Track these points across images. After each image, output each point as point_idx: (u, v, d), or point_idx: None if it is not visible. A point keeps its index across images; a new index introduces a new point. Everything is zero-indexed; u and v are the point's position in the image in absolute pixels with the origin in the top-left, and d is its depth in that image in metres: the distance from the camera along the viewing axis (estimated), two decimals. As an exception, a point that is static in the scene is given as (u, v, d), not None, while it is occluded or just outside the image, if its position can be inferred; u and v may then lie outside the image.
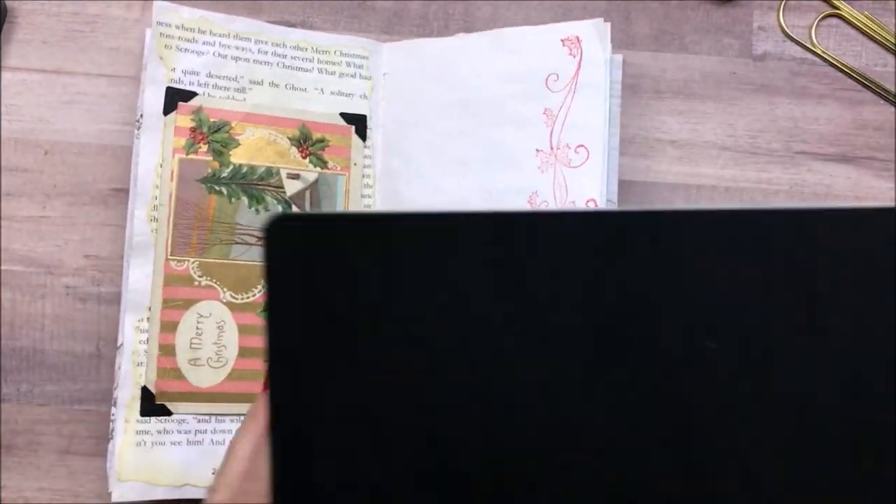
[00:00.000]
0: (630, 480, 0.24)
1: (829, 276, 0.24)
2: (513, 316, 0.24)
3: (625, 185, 0.55)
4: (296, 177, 0.49)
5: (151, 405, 0.46)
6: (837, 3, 0.57)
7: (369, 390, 0.24)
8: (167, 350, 0.47)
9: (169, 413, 0.46)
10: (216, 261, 0.47)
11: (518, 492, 0.24)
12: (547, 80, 0.49)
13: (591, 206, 0.48)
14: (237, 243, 0.48)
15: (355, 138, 0.50)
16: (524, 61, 0.50)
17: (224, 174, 0.48)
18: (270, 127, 0.49)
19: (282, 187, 0.49)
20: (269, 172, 0.48)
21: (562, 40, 0.49)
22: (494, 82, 0.50)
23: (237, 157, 0.48)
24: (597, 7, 0.56)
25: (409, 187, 0.51)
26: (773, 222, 0.24)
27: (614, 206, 0.50)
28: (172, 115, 0.47)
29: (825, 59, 0.56)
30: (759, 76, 0.56)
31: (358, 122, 0.51)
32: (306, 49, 0.50)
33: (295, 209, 0.49)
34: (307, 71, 0.50)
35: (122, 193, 0.52)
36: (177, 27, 0.48)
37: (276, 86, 0.49)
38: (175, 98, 0.47)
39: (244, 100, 0.49)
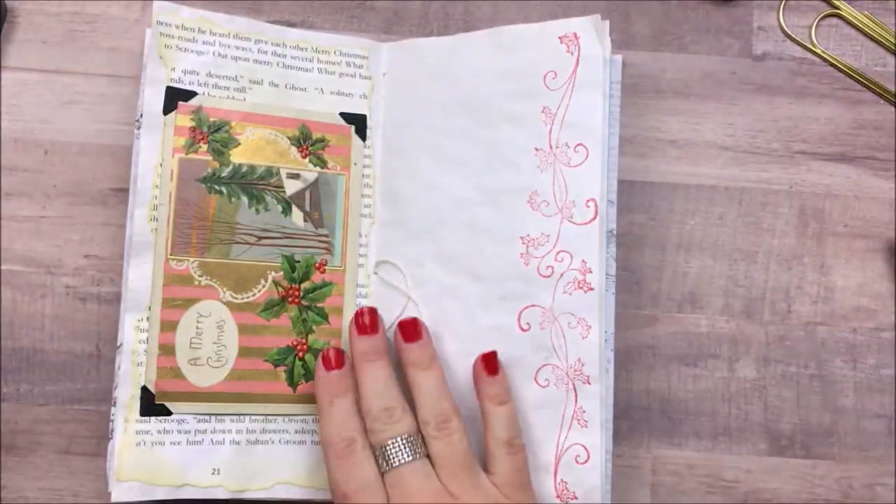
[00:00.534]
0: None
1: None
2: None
3: (625, 185, 0.55)
4: (296, 176, 0.50)
5: (151, 405, 0.46)
6: (837, 3, 0.58)
7: None
8: (167, 350, 0.47)
9: (169, 413, 0.47)
10: (216, 260, 0.48)
11: None
12: (545, 77, 0.50)
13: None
14: (237, 243, 0.48)
15: (355, 138, 0.51)
16: (522, 59, 0.51)
17: (224, 174, 0.49)
18: (270, 126, 0.50)
19: (282, 187, 0.50)
20: (270, 172, 0.49)
21: (559, 37, 0.50)
22: (493, 81, 0.51)
23: (237, 156, 0.49)
24: (597, 7, 0.58)
25: (408, 187, 0.52)
26: None
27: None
28: (172, 114, 0.48)
29: (825, 59, 0.57)
30: (759, 76, 0.57)
31: (358, 122, 0.52)
32: (306, 49, 0.51)
33: (295, 209, 0.49)
34: (307, 71, 0.51)
35: (122, 193, 0.53)
36: (177, 27, 0.49)
37: (276, 85, 0.50)
38: (175, 98, 0.48)
39: (244, 99, 0.50)
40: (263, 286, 0.49)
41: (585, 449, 0.47)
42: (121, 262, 0.50)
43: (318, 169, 0.51)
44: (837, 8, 0.58)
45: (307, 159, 0.50)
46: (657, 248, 0.55)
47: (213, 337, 0.48)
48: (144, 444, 0.46)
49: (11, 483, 0.50)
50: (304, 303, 0.50)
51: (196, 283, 0.48)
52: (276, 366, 0.49)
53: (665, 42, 0.57)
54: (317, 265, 0.50)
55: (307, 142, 0.51)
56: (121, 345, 0.49)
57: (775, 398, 0.54)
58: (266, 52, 0.50)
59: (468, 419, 0.47)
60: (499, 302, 0.49)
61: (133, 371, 0.46)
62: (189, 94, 0.48)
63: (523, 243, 0.49)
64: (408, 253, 0.51)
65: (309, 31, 0.53)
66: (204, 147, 0.48)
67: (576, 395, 0.48)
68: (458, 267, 0.50)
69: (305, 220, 0.50)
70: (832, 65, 0.57)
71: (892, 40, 0.57)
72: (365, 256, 0.51)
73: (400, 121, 0.53)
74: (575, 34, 0.50)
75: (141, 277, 0.47)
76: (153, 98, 0.48)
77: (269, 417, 0.49)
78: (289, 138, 0.50)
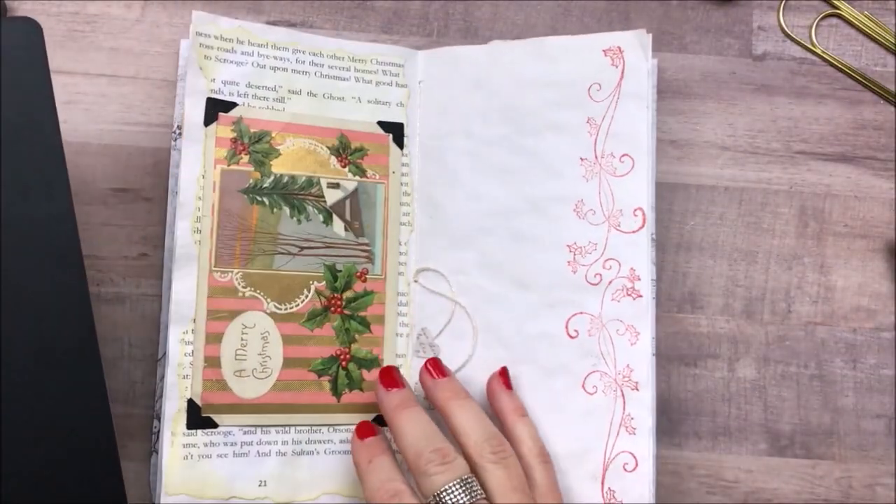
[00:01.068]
0: None
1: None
2: None
3: (625, 185, 0.62)
4: (336, 186, 0.51)
5: (198, 418, 0.48)
6: (837, 3, 0.59)
7: None
8: (212, 362, 0.48)
9: (215, 425, 0.48)
10: (259, 271, 0.49)
11: None
12: (589, 89, 0.52)
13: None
14: (279, 253, 0.50)
15: (393, 146, 0.53)
16: (565, 70, 0.53)
17: (266, 184, 0.50)
18: (310, 136, 0.51)
19: (322, 197, 0.51)
20: (310, 182, 0.51)
21: (604, 50, 0.52)
22: (535, 90, 0.53)
23: (278, 167, 0.50)
24: (597, 7, 0.59)
25: (448, 195, 0.53)
26: None
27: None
28: (213, 125, 0.49)
29: (825, 59, 0.58)
30: (759, 76, 0.58)
31: (395, 131, 0.53)
32: (343, 58, 0.53)
33: (336, 219, 0.51)
34: (344, 80, 0.52)
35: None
36: (215, 38, 0.50)
37: (315, 95, 0.52)
38: (215, 109, 0.49)
39: (283, 109, 0.51)
40: (307, 296, 0.50)
41: (633, 456, 0.49)
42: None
43: (357, 178, 0.52)
44: (837, 8, 0.59)
45: (347, 168, 0.52)
46: (657, 248, 0.55)
47: (258, 348, 0.49)
48: (191, 457, 0.47)
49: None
50: (347, 312, 0.51)
51: (240, 294, 0.49)
52: (320, 376, 0.50)
53: (665, 42, 0.58)
54: (358, 274, 0.51)
55: (346, 151, 0.52)
56: (162, 356, 0.50)
57: (775, 398, 0.56)
58: (304, 62, 0.52)
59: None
60: (546, 309, 0.51)
61: (179, 384, 0.48)
62: (229, 105, 0.50)
63: (570, 251, 0.51)
64: (449, 261, 0.53)
65: (345, 41, 0.54)
66: (245, 158, 0.50)
67: (624, 402, 0.49)
68: (504, 275, 0.52)
69: (346, 230, 0.52)
70: (832, 65, 0.58)
71: (892, 40, 0.59)
72: (405, 265, 0.53)
73: (438, 129, 0.54)
74: (619, 48, 0.52)
75: (185, 290, 0.48)
76: (193, 109, 0.49)
77: (314, 428, 0.50)
78: (328, 148, 0.52)
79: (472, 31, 0.58)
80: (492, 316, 0.52)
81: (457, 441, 0.47)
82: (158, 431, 0.50)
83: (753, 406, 0.56)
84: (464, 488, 0.42)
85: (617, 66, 0.52)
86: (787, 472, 0.55)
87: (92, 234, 0.53)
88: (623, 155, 0.51)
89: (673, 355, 0.56)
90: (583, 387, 0.50)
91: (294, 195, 0.51)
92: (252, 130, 0.50)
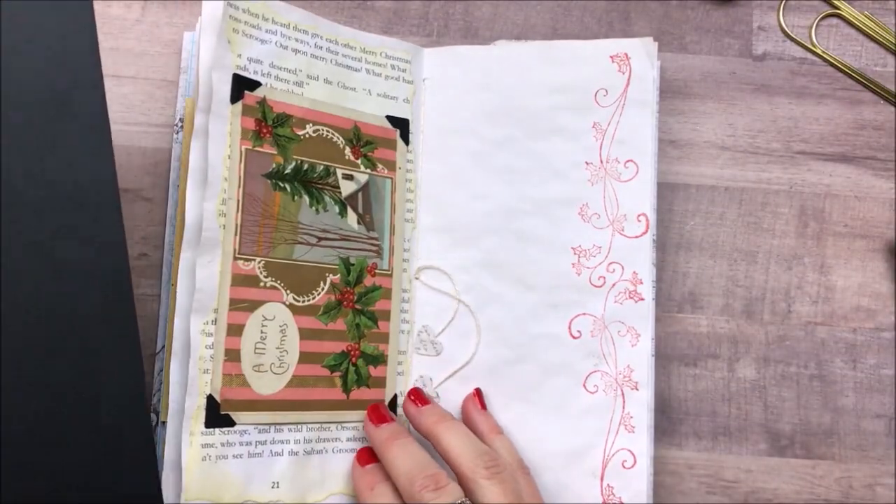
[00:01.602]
0: None
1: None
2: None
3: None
4: (350, 178, 0.57)
5: (216, 415, 0.51)
6: (837, 3, 0.66)
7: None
8: (232, 355, 0.52)
9: (232, 423, 0.51)
10: (280, 261, 0.54)
11: None
12: (596, 94, 0.61)
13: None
14: (300, 243, 0.55)
15: (399, 142, 0.60)
16: (573, 74, 0.61)
17: (287, 170, 0.55)
18: (327, 125, 0.57)
19: (338, 187, 0.57)
20: (327, 171, 0.56)
21: (611, 56, 0.61)
22: (542, 93, 0.61)
23: (298, 153, 0.55)
24: (597, 7, 0.66)
25: (451, 194, 0.61)
26: None
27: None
28: (239, 104, 0.53)
29: (825, 59, 0.65)
30: (759, 76, 0.65)
31: (402, 126, 0.60)
32: (355, 48, 0.59)
33: (350, 211, 0.57)
34: (356, 70, 0.59)
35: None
36: (244, 11, 0.54)
37: (330, 83, 0.57)
38: (241, 87, 0.53)
39: (302, 94, 0.56)
40: (323, 289, 0.56)
41: (632, 454, 0.58)
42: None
43: (368, 171, 0.58)
44: (837, 8, 0.66)
45: (359, 160, 0.58)
46: (657, 248, 0.61)
47: (277, 342, 0.53)
48: (209, 458, 0.50)
49: None
50: (358, 307, 0.57)
51: (262, 284, 0.53)
52: (332, 371, 0.55)
53: (665, 42, 0.65)
54: (368, 268, 0.57)
55: (359, 142, 0.58)
56: (160, 350, 0.53)
57: (775, 398, 0.62)
58: (321, 48, 0.57)
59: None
60: (549, 310, 0.60)
61: (199, 379, 0.51)
62: (254, 84, 0.54)
63: (574, 253, 0.60)
64: (452, 259, 0.60)
65: (358, 31, 0.59)
66: (269, 141, 0.54)
67: (624, 401, 0.59)
68: (508, 274, 0.60)
69: (359, 223, 0.57)
70: (832, 65, 0.65)
71: (892, 40, 0.65)
72: (407, 262, 0.60)
73: (443, 127, 0.61)
74: (626, 54, 0.61)
75: (208, 277, 0.51)
76: (221, 84, 0.53)
77: (324, 425, 0.55)
78: (343, 138, 0.57)
79: (473, 31, 0.65)
80: (494, 315, 0.60)
81: (448, 463, 0.53)
82: (155, 425, 0.54)
83: (753, 406, 0.62)
84: None
85: (623, 73, 0.61)
86: (787, 472, 0.62)
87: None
88: (628, 160, 0.61)
89: (673, 355, 0.62)
90: (584, 386, 0.59)
91: (313, 184, 0.56)
92: (275, 112, 0.55)
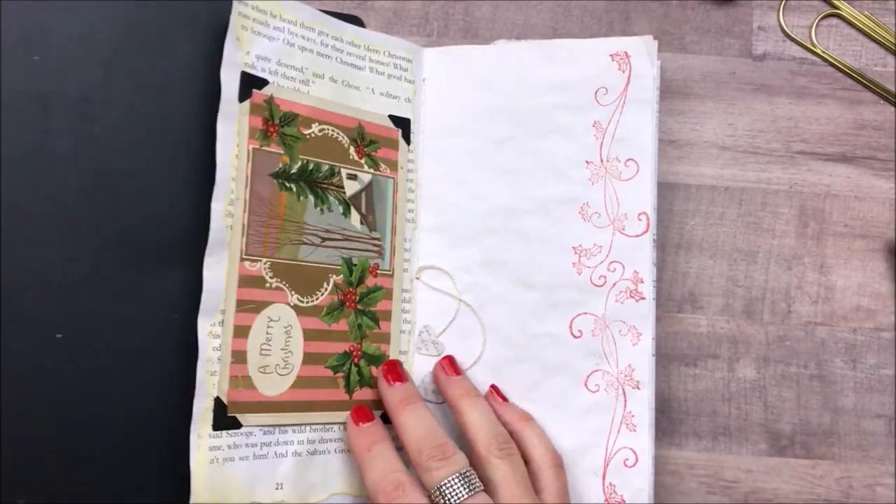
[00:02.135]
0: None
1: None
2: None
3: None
4: (354, 177, 0.60)
5: (223, 418, 0.54)
6: (837, 3, 0.69)
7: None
8: (239, 357, 0.55)
9: (239, 425, 0.54)
10: (286, 261, 0.57)
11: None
12: (596, 93, 0.65)
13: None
14: (304, 244, 0.58)
15: (401, 142, 0.63)
16: (573, 73, 0.65)
17: (293, 170, 0.58)
18: (332, 124, 0.60)
19: (342, 187, 0.60)
20: (332, 171, 0.59)
21: (611, 55, 0.65)
22: (542, 92, 0.65)
23: (304, 152, 0.58)
24: (597, 7, 0.69)
25: (452, 193, 0.64)
26: None
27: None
28: (247, 102, 0.56)
29: (825, 59, 0.68)
30: (759, 76, 0.68)
31: (403, 126, 0.63)
32: (360, 46, 0.62)
33: (353, 211, 0.60)
34: (360, 69, 0.62)
35: None
36: (252, 7, 0.57)
37: (335, 81, 0.60)
38: (250, 85, 0.56)
39: (308, 92, 0.59)
40: (326, 289, 0.59)
41: (634, 452, 0.62)
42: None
43: (371, 171, 0.61)
44: (837, 8, 0.69)
45: (363, 160, 0.61)
46: (657, 249, 0.64)
47: (281, 343, 0.56)
48: (217, 461, 0.53)
49: None
50: (360, 307, 0.60)
51: (267, 285, 0.56)
52: (335, 372, 0.59)
53: (665, 42, 0.69)
54: (370, 269, 0.61)
55: (363, 142, 0.61)
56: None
57: (775, 398, 0.65)
58: (327, 46, 0.60)
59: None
60: (551, 309, 0.64)
61: (207, 381, 0.53)
62: (262, 82, 0.57)
63: (575, 253, 0.64)
64: (453, 259, 0.64)
65: (362, 29, 0.62)
66: (275, 140, 0.57)
67: (625, 400, 0.63)
68: (509, 274, 0.64)
69: (361, 223, 0.61)
70: (832, 65, 0.68)
71: (892, 40, 0.69)
72: (408, 262, 0.63)
73: (443, 127, 0.65)
74: (626, 52, 0.65)
75: (215, 278, 0.54)
76: (230, 83, 0.55)
77: (327, 426, 0.58)
78: (348, 137, 0.61)
79: (472, 31, 0.68)
80: (495, 315, 0.64)
81: (465, 437, 0.58)
82: None
83: (753, 406, 0.66)
84: (463, 481, 0.54)
85: (624, 72, 0.65)
86: (787, 472, 0.65)
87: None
88: (628, 159, 0.64)
89: (673, 355, 0.66)
90: (585, 385, 0.63)
91: (318, 184, 0.59)
92: (282, 111, 0.58)
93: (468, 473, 0.55)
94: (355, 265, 0.61)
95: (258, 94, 0.58)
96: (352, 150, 0.62)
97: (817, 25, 0.70)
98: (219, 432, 0.55)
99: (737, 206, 0.68)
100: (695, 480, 0.66)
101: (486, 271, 0.65)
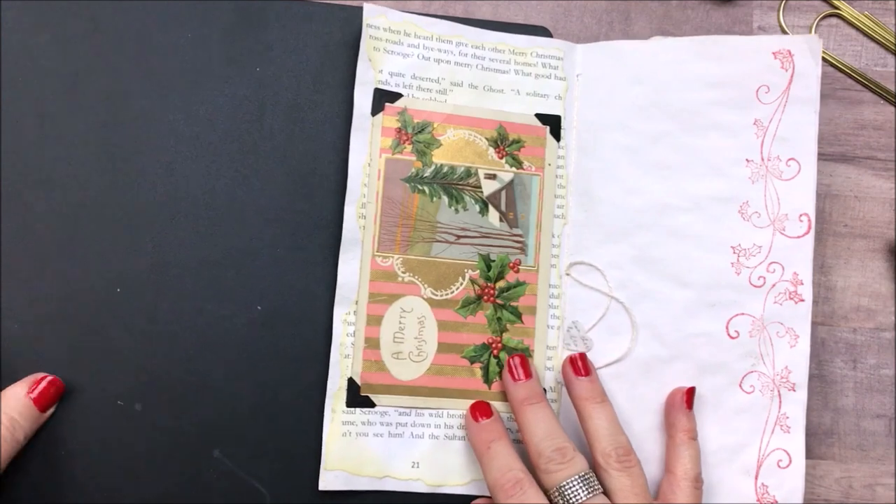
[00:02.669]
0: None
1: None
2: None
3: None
4: (492, 177, 0.68)
5: (356, 396, 0.64)
6: (837, 3, 0.72)
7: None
8: (372, 343, 0.65)
9: (372, 405, 0.64)
10: (418, 258, 0.66)
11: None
12: (758, 91, 0.67)
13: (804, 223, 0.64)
14: (437, 241, 0.66)
15: (549, 139, 0.69)
16: (732, 70, 0.67)
17: (426, 174, 0.66)
18: (469, 128, 0.67)
19: (479, 187, 0.67)
20: (468, 172, 0.67)
21: (773, 53, 0.66)
22: (700, 88, 0.67)
23: (438, 156, 0.67)
24: (597, 7, 0.72)
25: (603, 188, 0.68)
26: None
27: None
28: (380, 115, 0.66)
29: (825, 59, 0.71)
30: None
31: (552, 123, 0.69)
32: (504, 51, 0.69)
33: (491, 209, 0.67)
34: (504, 72, 0.69)
35: None
36: (384, 30, 0.66)
37: (475, 87, 0.68)
38: (382, 99, 0.66)
39: (445, 101, 0.67)
40: (461, 284, 0.67)
41: (787, 454, 0.64)
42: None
43: (513, 169, 0.68)
44: (837, 8, 0.72)
45: (503, 160, 0.68)
46: None
47: (415, 332, 0.66)
48: (350, 434, 0.64)
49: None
50: (499, 301, 0.67)
51: (399, 279, 0.65)
52: (472, 362, 0.66)
53: None
54: (511, 265, 0.67)
55: (504, 143, 0.68)
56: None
57: None
58: (466, 55, 0.68)
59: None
60: (707, 309, 0.66)
61: (341, 363, 0.64)
62: (395, 96, 0.66)
63: (734, 252, 0.66)
64: (603, 255, 0.68)
65: (506, 34, 0.69)
66: (408, 147, 0.66)
67: (780, 402, 0.64)
68: (662, 271, 0.67)
69: (501, 220, 0.67)
70: (832, 65, 0.72)
71: (892, 40, 0.72)
72: (557, 257, 0.68)
73: (595, 122, 0.69)
74: (789, 51, 0.66)
75: (349, 272, 0.65)
76: (362, 99, 0.66)
77: (465, 414, 0.65)
78: (487, 139, 0.67)
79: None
80: (648, 312, 0.67)
81: (587, 441, 0.62)
82: None
83: None
84: (583, 483, 0.58)
85: (787, 70, 0.66)
86: None
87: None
88: (790, 159, 0.66)
89: None
90: (740, 386, 0.65)
91: (453, 185, 0.67)
92: (415, 121, 0.66)
93: (588, 476, 0.60)
94: (493, 261, 0.68)
95: (391, 108, 0.68)
96: (491, 151, 0.69)
97: (817, 25, 0.74)
98: (353, 409, 0.66)
99: (737, 206, 0.69)
100: (695, 480, 0.68)
101: (639, 267, 0.68)
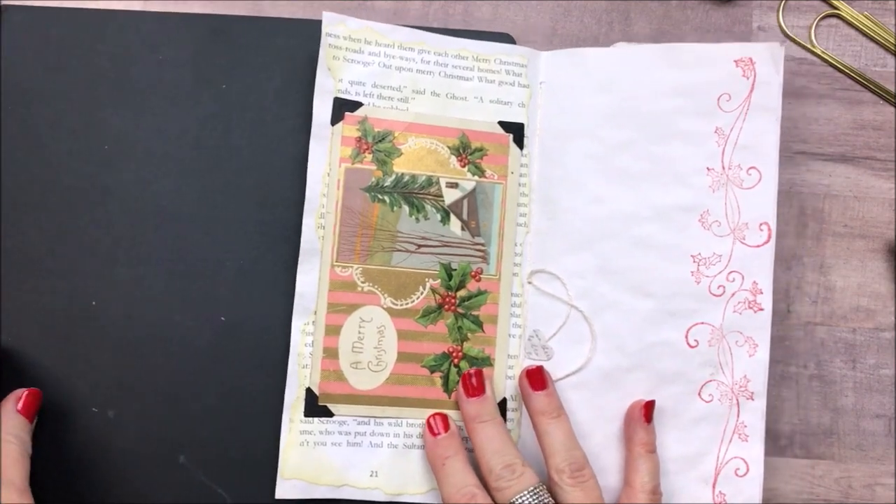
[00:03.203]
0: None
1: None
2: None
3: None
4: (454, 185, 0.71)
5: (314, 406, 0.68)
6: (837, 3, 0.75)
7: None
8: (330, 353, 0.68)
9: (330, 414, 0.68)
10: (378, 267, 0.69)
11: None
12: (719, 99, 0.70)
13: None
14: (398, 251, 0.70)
15: (513, 147, 0.72)
16: (696, 78, 0.70)
17: (387, 183, 0.69)
18: (431, 136, 0.71)
19: (441, 196, 0.70)
20: (429, 181, 0.70)
21: (735, 61, 0.69)
22: (662, 95, 0.70)
23: (399, 165, 0.70)
24: (597, 7, 0.75)
25: (567, 197, 0.71)
26: None
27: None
28: (339, 125, 0.70)
29: (825, 60, 0.75)
30: None
31: (516, 131, 0.72)
32: (467, 58, 0.72)
33: (453, 218, 0.70)
34: (467, 80, 0.72)
35: None
36: (344, 38, 0.70)
37: (438, 95, 0.71)
38: (342, 108, 0.70)
39: (407, 109, 0.71)
40: (422, 293, 0.70)
41: (745, 462, 0.67)
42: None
43: (476, 178, 0.71)
44: (837, 8, 0.75)
45: (466, 168, 0.71)
46: None
47: (374, 342, 0.69)
48: (307, 443, 0.68)
49: None
50: (460, 310, 0.70)
51: (359, 289, 0.69)
52: (432, 371, 0.69)
53: (665, 42, 0.73)
54: (472, 273, 0.71)
55: (466, 151, 0.71)
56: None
57: (775, 398, 0.73)
58: (429, 62, 0.72)
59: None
60: (668, 318, 0.69)
61: (299, 373, 0.68)
62: (355, 105, 0.70)
63: (694, 262, 0.69)
64: (567, 264, 0.71)
65: (469, 40, 0.72)
66: (369, 157, 0.70)
67: (738, 411, 0.67)
68: (625, 281, 0.70)
69: (463, 229, 0.71)
70: (832, 65, 0.75)
71: (892, 40, 0.75)
72: (519, 266, 0.72)
73: (560, 130, 0.72)
74: (751, 59, 0.69)
75: (308, 283, 0.69)
76: (321, 109, 0.69)
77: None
78: (449, 148, 0.71)
79: (472, 31, 0.74)
80: (610, 321, 0.70)
81: (543, 454, 0.66)
82: None
83: None
84: (533, 498, 0.62)
85: (748, 78, 0.69)
86: (787, 472, 0.73)
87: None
88: (750, 167, 0.69)
89: None
90: (699, 395, 0.68)
91: (414, 194, 0.70)
92: (376, 130, 0.70)
93: (538, 490, 0.64)
94: (455, 270, 0.72)
95: (351, 117, 0.71)
96: (453, 159, 0.73)
97: (817, 25, 0.77)
98: (311, 419, 0.70)
99: (737, 206, 0.70)
100: (695, 480, 0.70)
101: (601, 277, 0.72)
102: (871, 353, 0.75)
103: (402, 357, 0.72)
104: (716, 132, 0.71)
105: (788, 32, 0.77)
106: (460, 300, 0.73)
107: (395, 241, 0.73)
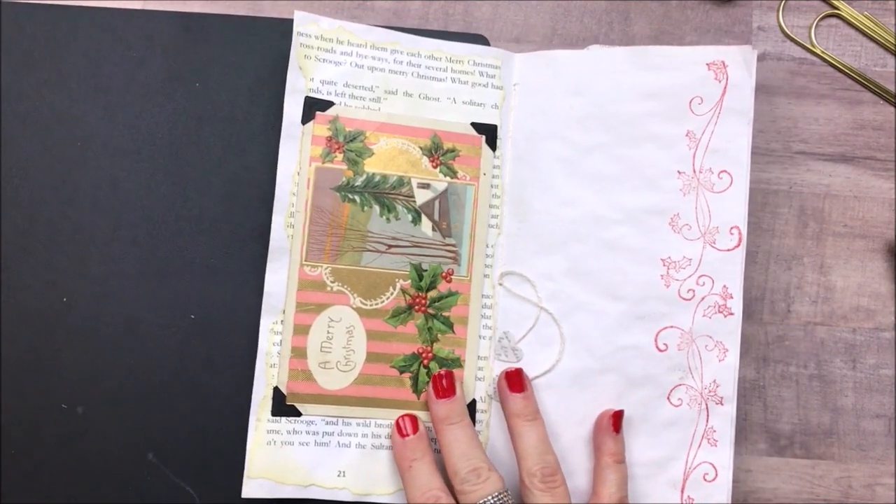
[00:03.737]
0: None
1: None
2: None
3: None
4: (426, 186, 0.74)
5: (282, 405, 0.71)
6: (837, 3, 0.78)
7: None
8: (299, 352, 0.71)
9: (298, 414, 0.71)
10: (348, 267, 0.73)
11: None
12: (691, 102, 0.73)
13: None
14: (368, 251, 0.73)
15: (485, 148, 0.76)
16: (668, 81, 0.73)
17: (357, 183, 0.73)
18: (403, 136, 0.74)
19: (412, 196, 0.74)
20: (401, 182, 0.74)
21: (707, 64, 0.73)
22: (636, 99, 0.73)
23: (370, 165, 0.74)
24: (597, 7, 0.78)
25: (539, 199, 0.74)
26: None
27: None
28: (310, 124, 0.73)
29: (825, 60, 0.78)
30: (758, 76, 0.76)
31: (488, 132, 0.76)
32: (440, 59, 0.75)
33: (424, 218, 0.73)
34: (440, 80, 0.76)
35: None
36: (316, 38, 0.73)
37: (410, 95, 0.75)
38: (313, 108, 0.73)
39: (379, 109, 0.74)
40: (392, 293, 0.74)
41: (714, 467, 0.71)
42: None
43: (447, 179, 0.74)
44: (837, 8, 0.78)
45: (438, 169, 0.74)
46: None
47: (343, 342, 0.73)
48: (274, 443, 0.71)
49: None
50: (431, 311, 0.74)
51: (328, 288, 0.72)
52: (401, 372, 0.73)
53: (665, 42, 0.78)
54: (443, 274, 0.74)
55: (438, 151, 0.75)
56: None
57: (775, 398, 0.76)
58: (401, 63, 0.75)
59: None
60: (637, 321, 0.73)
61: (266, 372, 0.71)
62: (326, 104, 0.74)
63: (664, 265, 0.73)
64: (537, 266, 0.74)
65: (443, 41, 0.75)
66: (339, 156, 0.73)
67: (707, 415, 0.71)
68: (595, 283, 0.73)
69: (434, 230, 0.74)
70: (832, 65, 0.78)
71: (892, 40, 0.78)
72: (490, 267, 0.75)
73: (532, 132, 0.75)
74: (723, 62, 0.73)
75: (277, 282, 0.72)
76: (292, 108, 0.73)
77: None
78: (420, 148, 0.74)
79: (472, 31, 0.79)
80: (580, 324, 0.73)
81: (516, 458, 0.69)
82: None
83: (753, 406, 0.77)
84: (497, 501, 0.66)
85: (720, 81, 0.72)
86: (787, 472, 0.77)
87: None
88: (721, 171, 0.72)
89: None
90: (668, 399, 0.72)
91: (385, 194, 0.73)
92: (347, 129, 0.73)
93: (501, 495, 0.67)
94: (426, 270, 0.76)
95: (322, 116, 0.75)
96: (424, 160, 0.76)
97: (817, 25, 0.81)
98: (278, 418, 0.73)
99: (737, 206, 0.72)
100: (694, 480, 0.70)
101: (572, 279, 0.75)
102: (871, 353, 0.79)
103: (372, 357, 0.76)
104: (687, 135, 0.75)
105: (788, 32, 0.81)
106: (431, 301, 0.76)
107: (366, 241, 0.76)
